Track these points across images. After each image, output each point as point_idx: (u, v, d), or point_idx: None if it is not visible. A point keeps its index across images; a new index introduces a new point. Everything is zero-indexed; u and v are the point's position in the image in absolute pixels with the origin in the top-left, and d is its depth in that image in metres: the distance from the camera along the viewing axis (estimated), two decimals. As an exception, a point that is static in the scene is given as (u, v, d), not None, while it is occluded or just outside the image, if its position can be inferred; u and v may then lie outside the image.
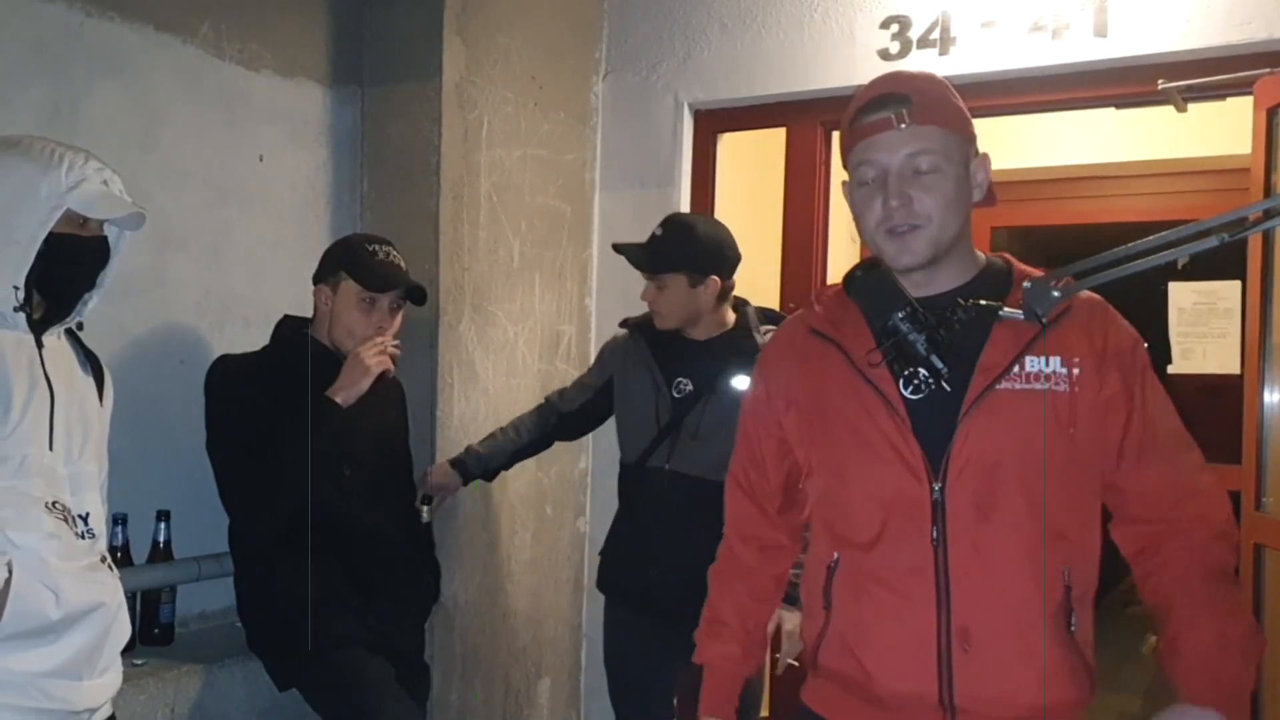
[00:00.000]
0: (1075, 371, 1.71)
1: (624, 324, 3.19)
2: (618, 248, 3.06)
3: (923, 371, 1.71)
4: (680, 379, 2.97)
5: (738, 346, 2.94)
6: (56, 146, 2.01)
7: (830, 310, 1.88)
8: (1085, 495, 1.75)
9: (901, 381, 1.74)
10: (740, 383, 2.87)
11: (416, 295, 2.84)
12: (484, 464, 3.21)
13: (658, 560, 2.92)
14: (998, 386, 1.70)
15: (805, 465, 1.89)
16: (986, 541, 1.69)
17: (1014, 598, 1.69)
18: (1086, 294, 1.72)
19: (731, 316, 3.03)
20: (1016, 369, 1.71)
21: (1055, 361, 1.71)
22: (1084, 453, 1.72)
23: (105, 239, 2.09)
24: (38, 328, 2.01)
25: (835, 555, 1.80)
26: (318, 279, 2.84)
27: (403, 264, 2.84)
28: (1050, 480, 1.70)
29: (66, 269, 2.01)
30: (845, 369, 1.79)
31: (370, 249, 2.81)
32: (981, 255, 1.86)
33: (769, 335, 2.89)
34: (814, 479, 1.87)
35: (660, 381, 2.99)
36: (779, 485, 1.97)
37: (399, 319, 2.84)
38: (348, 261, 2.79)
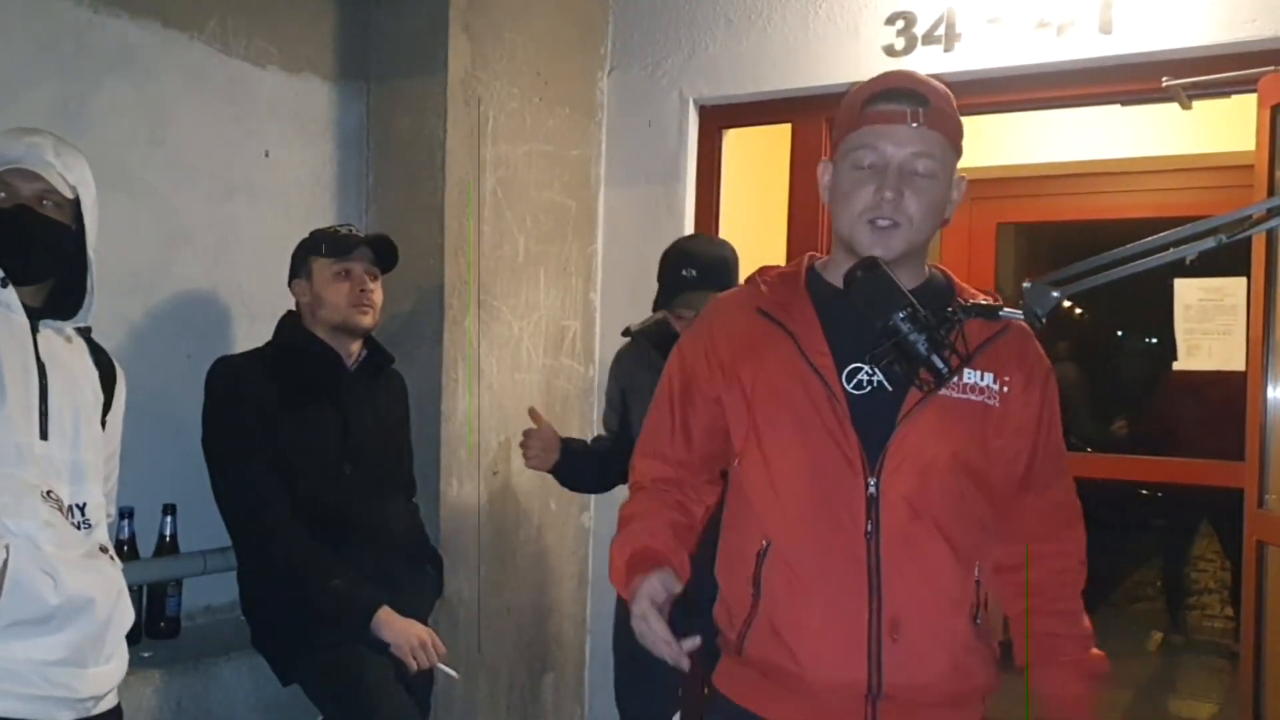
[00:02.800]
0: (1005, 389, 1.80)
1: (626, 333, 3.20)
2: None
3: (866, 369, 1.76)
4: None
5: None
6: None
7: (777, 293, 1.88)
8: (993, 503, 1.83)
9: (845, 375, 1.77)
10: None
11: (386, 256, 2.87)
12: (579, 453, 3.13)
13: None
14: (939, 392, 1.74)
15: (739, 447, 1.85)
16: (916, 537, 1.74)
17: (938, 590, 1.76)
18: (1017, 322, 1.78)
19: None
20: (956, 378, 1.76)
21: (989, 377, 1.80)
22: (999, 464, 1.82)
23: (60, 224, 2.07)
24: (34, 314, 2.02)
25: (764, 542, 1.80)
26: (291, 277, 2.87)
27: (369, 235, 2.87)
28: (972, 484, 1.79)
29: (22, 244, 2.02)
30: (792, 356, 1.79)
31: (330, 229, 2.88)
32: (926, 266, 1.90)
33: None
34: (747, 461, 1.84)
35: None
36: (701, 460, 1.95)
37: (379, 288, 2.86)
38: (311, 245, 2.85)
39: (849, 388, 1.77)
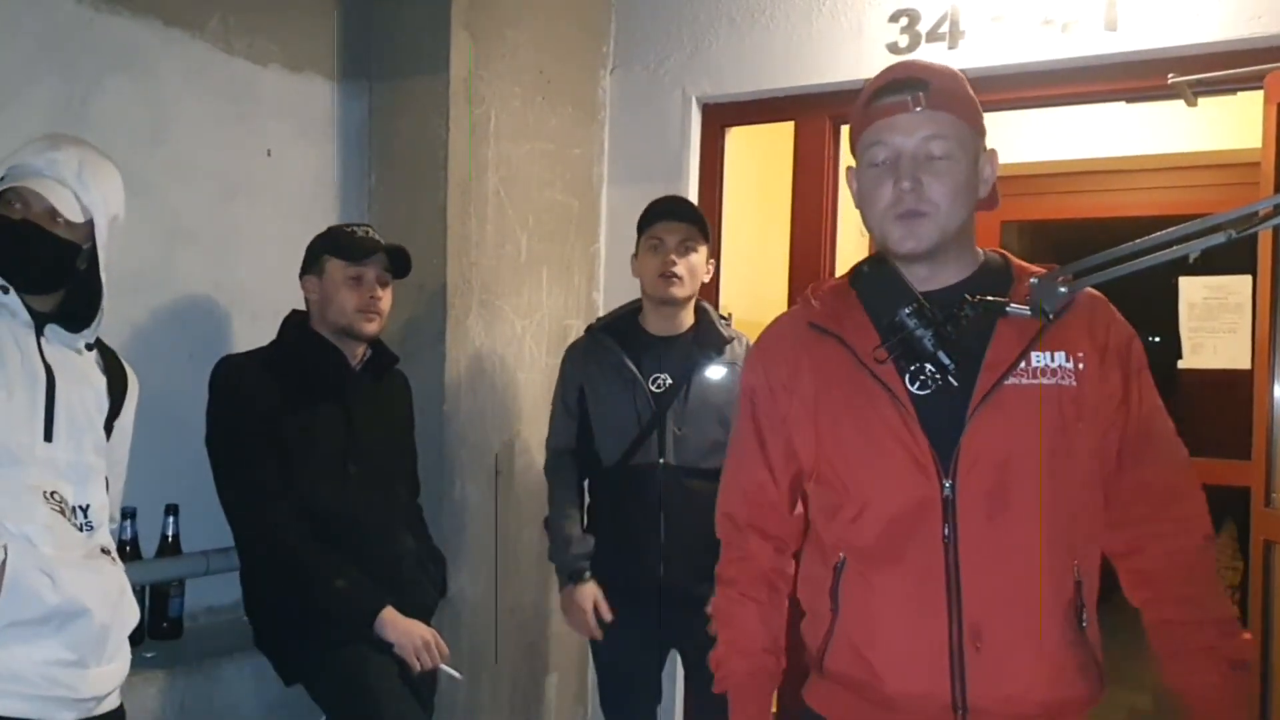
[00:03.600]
0: (1080, 366, 1.71)
1: (591, 328, 3.19)
2: (668, 199, 3.10)
3: (929, 367, 1.70)
4: (656, 374, 2.99)
5: (705, 339, 3.02)
6: (37, 142, 2.10)
7: (829, 305, 1.85)
8: (1089, 490, 1.74)
9: (908, 377, 1.73)
10: (716, 372, 2.96)
11: (400, 264, 2.85)
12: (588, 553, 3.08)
13: (650, 550, 2.95)
14: (1006, 382, 1.68)
15: (810, 465, 1.84)
16: (998, 539, 1.67)
17: (1025, 595, 1.67)
18: (1087, 289, 1.71)
19: (692, 315, 3.08)
20: (1023, 364, 1.69)
21: (1060, 356, 1.70)
22: (1089, 447, 1.71)
23: (67, 242, 2.08)
24: (39, 319, 2.02)
25: (841, 555, 1.77)
26: (304, 272, 2.86)
27: (386, 242, 2.85)
28: (1059, 475, 1.69)
29: (24, 258, 2.03)
30: (849, 364, 1.76)
31: (348, 229, 2.86)
32: (980, 251, 1.84)
33: (733, 331, 2.99)
34: (819, 479, 1.83)
35: (637, 378, 2.99)
36: (787, 487, 1.90)
37: (389, 295, 2.85)
38: (328, 244, 2.83)
39: (913, 389, 1.73)
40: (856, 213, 1.86)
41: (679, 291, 2.98)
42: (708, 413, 2.95)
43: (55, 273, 2.08)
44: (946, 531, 1.67)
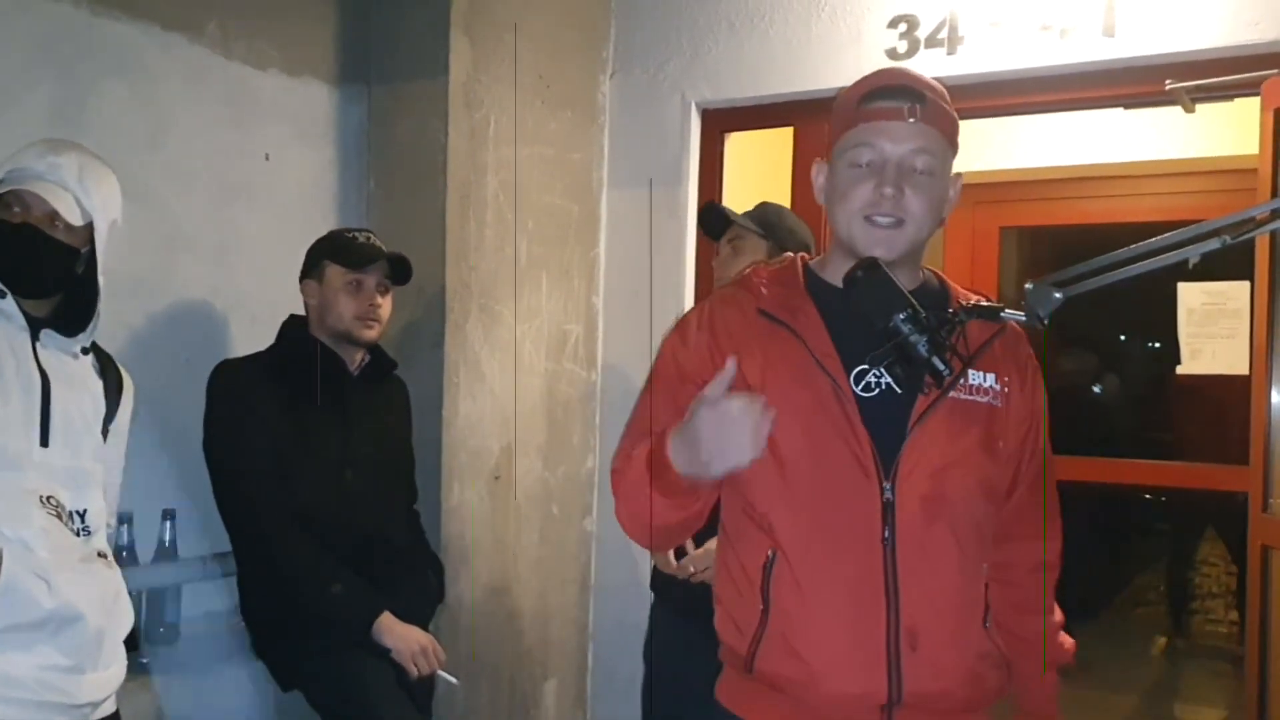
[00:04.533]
0: (1005, 390, 1.81)
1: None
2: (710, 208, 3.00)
3: (873, 372, 1.73)
4: None
5: None
6: (42, 144, 2.10)
7: (777, 294, 1.83)
8: (996, 502, 1.83)
9: (853, 378, 1.74)
10: None
11: (400, 272, 2.86)
12: None
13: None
14: (949, 394, 1.73)
15: None
16: (932, 543, 1.72)
17: (953, 596, 1.74)
18: (1009, 322, 1.77)
19: None
20: (962, 380, 1.75)
21: (991, 377, 1.80)
22: (1002, 464, 1.81)
23: (67, 246, 2.08)
24: (36, 324, 2.02)
25: (770, 552, 1.74)
26: (303, 276, 2.87)
27: (387, 249, 2.85)
28: (980, 487, 1.77)
29: (23, 262, 2.03)
30: (802, 358, 1.75)
31: (350, 235, 2.86)
32: (920, 271, 1.87)
33: None
34: (754, 468, 1.70)
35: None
36: None
37: (389, 302, 2.86)
38: (328, 249, 2.83)
39: (858, 390, 1.74)
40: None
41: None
42: None
43: (54, 277, 2.08)
44: (887, 534, 1.70)
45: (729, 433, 1.57)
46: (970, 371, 1.77)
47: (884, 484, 1.70)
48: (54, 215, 2.03)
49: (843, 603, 1.71)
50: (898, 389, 1.73)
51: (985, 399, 1.78)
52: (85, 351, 2.16)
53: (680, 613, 3.00)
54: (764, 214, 2.96)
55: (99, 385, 2.18)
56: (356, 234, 2.85)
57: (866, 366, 1.73)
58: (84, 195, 2.07)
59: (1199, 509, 6.11)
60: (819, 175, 1.89)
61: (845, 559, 1.71)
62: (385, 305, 2.84)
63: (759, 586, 1.76)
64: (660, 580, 3.08)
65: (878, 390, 1.74)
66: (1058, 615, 1.96)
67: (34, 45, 2.66)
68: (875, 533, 1.70)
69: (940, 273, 1.92)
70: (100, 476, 2.13)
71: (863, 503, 1.70)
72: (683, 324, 1.92)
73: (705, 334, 1.84)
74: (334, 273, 2.80)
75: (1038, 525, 1.92)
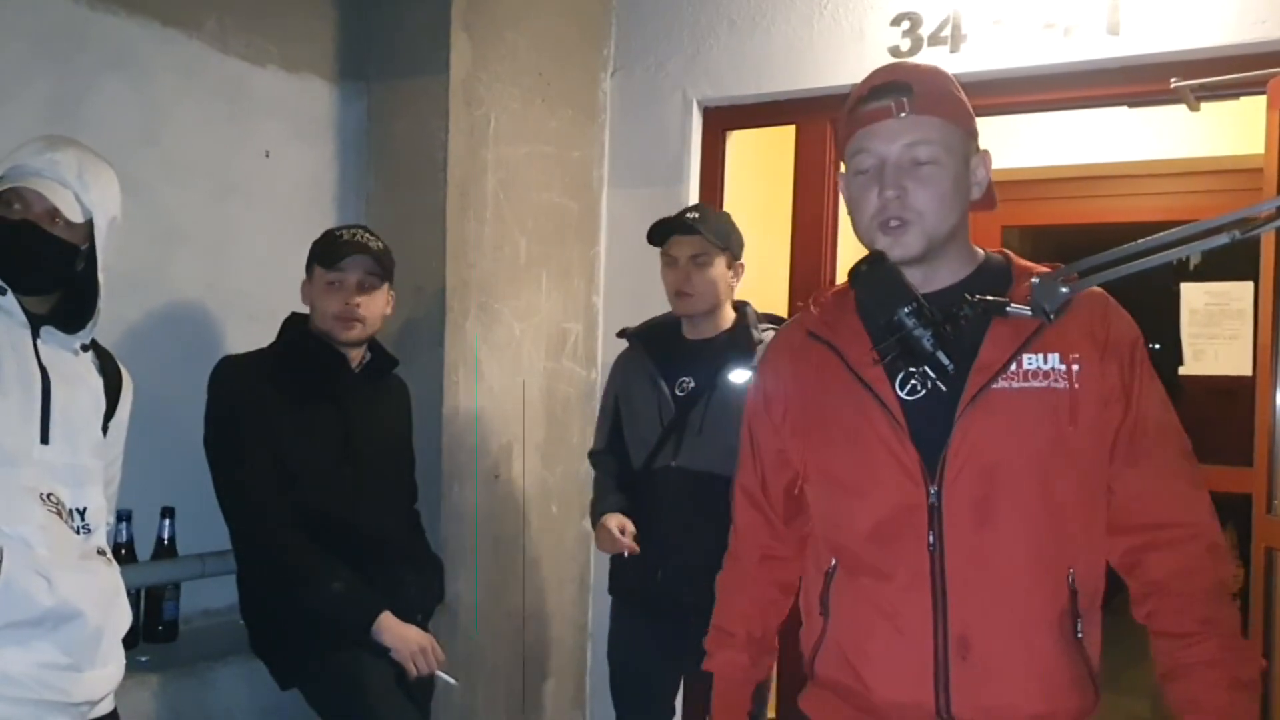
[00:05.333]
0: (1075, 368, 1.66)
1: (622, 334, 3.20)
2: (664, 222, 3.05)
3: (918, 371, 1.68)
4: (682, 378, 3.00)
5: (736, 343, 2.99)
6: (42, 140, 2.09)
7: (826, 312, 1.85)
8: (1089, 495, 1.68)
9: (897, 383, 1.71)
10: (739, 376, 2.91)
11: (383, 266, 2.83)
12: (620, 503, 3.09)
13: (666, 560, 2.94)
14: (994, 385, 1.65)
15: (801, 470, 1.84)
16: (986, 546, 1.64)
17: (1015, 604, 1.64)
18: (1091, 288, 1.66)
19: (732, 315, 3.05)
20: (1014, 367, 1.66)
21: (1054, 358, 1.66)
22: (1086, 451, 1.66)
23: (66, 243, 2.07)
24: (36, 320, 2.01)
25: (833, 561, 1.78)
26: (305, 275, 2.86)
27: (374, 244, 2.82)
28: (1052, 481, 1.65)
29: (20, 257, 2.02)
30: (841, 372, 1.75)
31: (337, 233, 2.84)
32: (980, 250, 1.82)
33: (767, 333, 2.93)
34: (810, 484, 1.84)
35: (661, 383, 3.00)
36: (780, 493, 1.91)
37: (377, 299, 2.83)
38: (315, 248, 2.83)
39: (903, 394, 1.71)
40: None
41: (695, 306, 2.99)
42: (729, 417, 2.84)
43: (54, 274, 2.08)
44: (932, 539, 1.66)
45: None
46: (1025, 356, 1.65)
47: (930, 488, 1.66)
48: (54, 212, 2.03)
49: (891, 611, 1.68)
50: (943, 387, 1.66)
51: (1044, 383, 1.64)
52: (85, 348, 2.15)
53: (639, 615, 3.04)
54: (717, 224, 3.03)
55: (99, 382, 2.17)
56: (342, 231, 2.84)
57: (913, 369, 1.67)
58: (83, 192, 2.06)
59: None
60: (844, 188, 1.83)
61: (893, 567, 1.69)
62: (371, 303, 2.80)
63: (819, 595, 1.79)
64: (618, 584, 3.12)
65: (924, 392, 1.70)
66: (1228, 614, 1.65)
67: (32, 40, 2.65)
68: (921, 539, 1.66)
69: (1008, 252, 1.83)
70: (100, 474, 2.13)
71: (908, 509, 1.67)
72: (756, 374, 2.03)
73: (761, 389, 1.94)
74: (317, 273, 2.80)
75: (1172, 511, 1.67)
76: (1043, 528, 1.65)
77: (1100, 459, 1.68)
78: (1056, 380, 1.65)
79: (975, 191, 1.77)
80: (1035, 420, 1.64)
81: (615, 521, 2.96)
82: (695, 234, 2.96)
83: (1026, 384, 1.65)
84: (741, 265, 3.05)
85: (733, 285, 3.04)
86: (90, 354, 2.17)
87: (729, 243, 3.00)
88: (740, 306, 3.08)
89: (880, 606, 1.69)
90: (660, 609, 2.96)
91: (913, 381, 1.70)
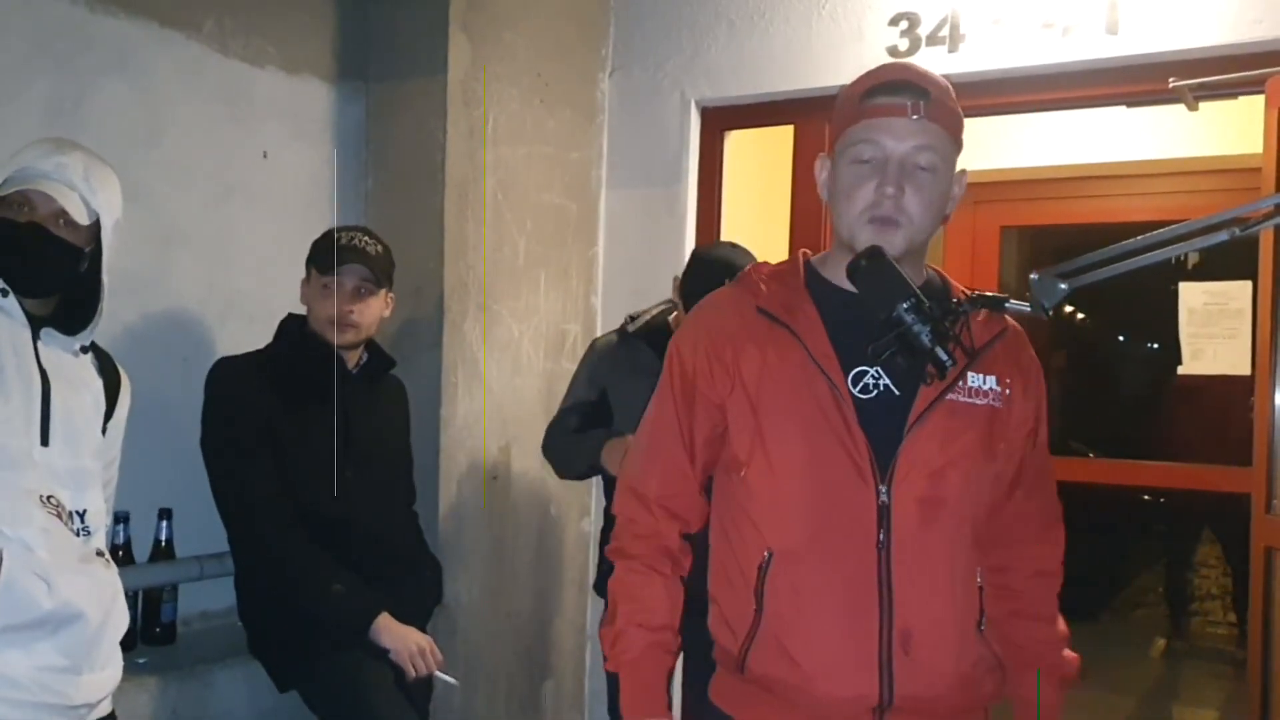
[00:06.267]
0: (1007, 392, 1.79)
1: (622, 330, 3.13)
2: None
3: (872, 372, 1.72)
4: None
5: None
6: (51, 142, 2.09)
7: (777, 293, 1.82)
8: (988, 507, 1.81)
9: (851, 379, 1.73)
10: None
11: (381, 272, 2.82)
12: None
13: None
14: (946, 396, 1.71)
15: (743, 454, 1.78)
16: (927, 546, 1.71)
17: (949, 600, 1.73)
18: (1013, 324, 1.78)
19: None
20: (961, 382, 1.73)
21: (992, 380, 1.78)
22: (997, 468, 1.79)
23: (71, 245, 2.06)
24: (36, 322, 2.01)
25: (767, 552, 1.74)
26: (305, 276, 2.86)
27: (372, 248, 2.81)
28: (977, 489, 1.76)
29: (25, 259, 2.02)
30: (801, 359, 1.74)
31: (336, 235, 2.83)
32: (924, 269, 1.85)
33: None
34: (751, 469, 1.77)
35: None
36: (701, 470, 1.86)
37: (374, 304, 2.82)
38: (313, 249, 2.83)
39: (855, 392, 1.72)
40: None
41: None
42: None
43: (58, 276, 2.07)
44: (882, 536, 1.69)
45: None
46: (970, 374, 1.74)
47: (880, 486, 1.69)
48: (60, 214, 2.03)
49: (836, 605, 1.70)
50: (896, 390, 1.72)
51: (984, 401, 1.76)
52: (85, 350, 2.15)
53: None
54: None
55: (99, 384, 2.17)
56: (341, 235, 2.83)
57: (865, 368, 1.72)
58: (90, 194, 2.06)
59: (1198, 510, 6.11)
60: (822, 171, 1.86)
61: (840, 562, 1.70)
62: (366, 309, 2.80)
63: (753, 588, 1.75)
64: (605, 580, 3.10)
65: (876, 392, 1.73)
66: (1061, 626, 1.91)
67: (31, 41, 2.65)
68: (870, 536, 1.69)
69: (943, 271, 1.90)
70: (99, 476, 2.13)
71: (858, 506, 1.70)
72: (685, 329, 1.91)
73: (704, 339, 1.84)
74: (314, 275, 2.80)
75: (1038, 530, 1.90)
76: (968, 530, 1.76)
77: (1004, 477, 1.82)
78: (995, 399, 1.78)
79: (950, 206, 1.80)
80: (975, 433, 1.75)
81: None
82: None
83: (970, 399, 1.76)
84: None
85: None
86: (90, 355, 2.17)
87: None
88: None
89: (826, 602, 1.70)
90: None
91: (866, 380, 1.73)
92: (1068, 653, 1.91)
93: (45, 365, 2.02)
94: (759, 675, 1.75)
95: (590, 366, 3.15)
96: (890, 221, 1.70)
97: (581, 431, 3.05)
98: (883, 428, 1.71)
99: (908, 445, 1.70)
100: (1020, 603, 1.87)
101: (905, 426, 1.70)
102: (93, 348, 2.19)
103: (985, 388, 1.76)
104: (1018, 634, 1.87)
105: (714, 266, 2.90)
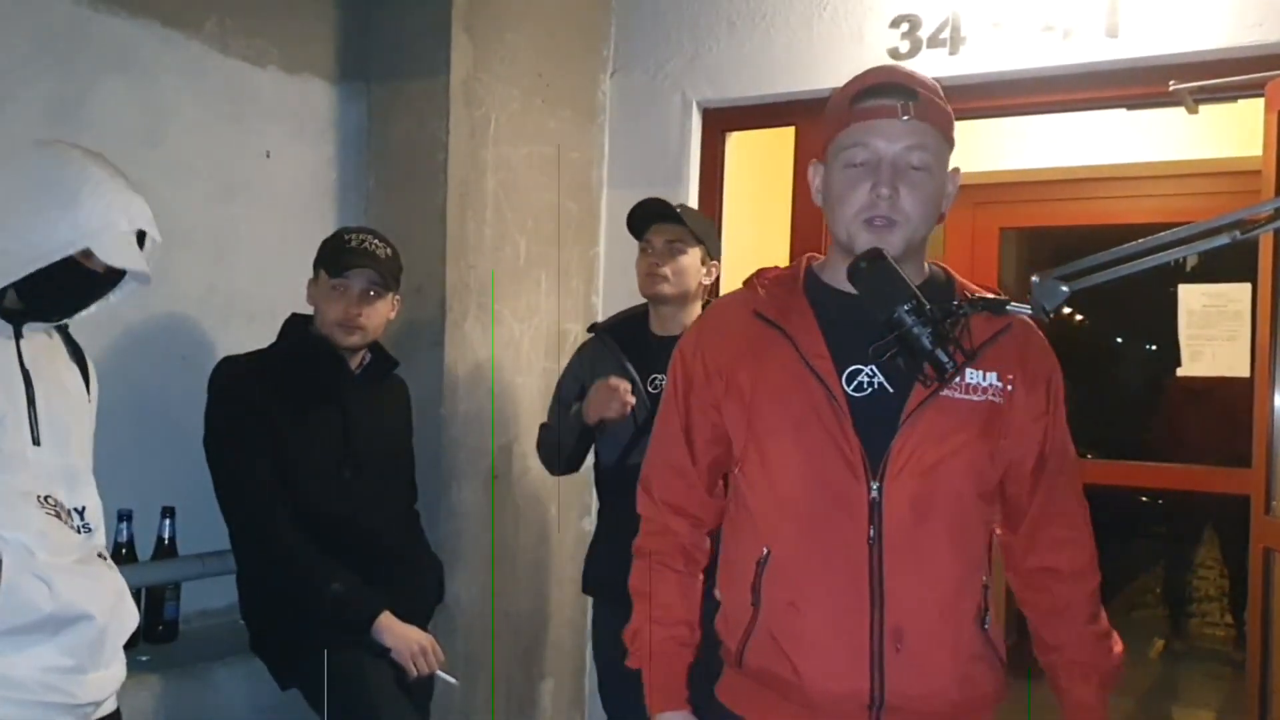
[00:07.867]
0: (1009, 388, 1.78)
1: (593, 328, 3.22)
2: (646, 205, 3.06)
3: (866, 371, 1.74)
4: (655, 375, 2.99)
5: None
6: (107, 180, 2.03)
7: (775, 296, 1.85)
8: (1006, 503, 1.85)
9: (844, 378, 1.74)
10: None
11: (389, 276, 2.82)
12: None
13: None
14: (942, 392, 1.72)
15: (739, 454, 1.83)
16: (920, 542, 1.71)
17: (943, 598, 1.73)
18: (1021, 317, 1.77)
19: (699, 311, 3.05)
20: (958, 378, 1.74)
21: (992, 376, 1.77)
22: (1008, 465, 1.80)
23: (117, 271, 2.06)
24: (16, 319, 2.00)
25: (765, 550, 1.77)
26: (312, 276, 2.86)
27: (381, 251, 2.82)
28: (979, 487, 1.77)
29: (57, 294, 2.01)
30: (792, 360, 1.76)
31: (345, 237, 2.83)
32: (926, 265, 1.87)
33: None
34: (746, 469, 1.82)
35: (635, 380, 2.99)
36: (706, 469, 1.91)
37: (381, 307, 2.83)
38: (321, 252, 2.83)
39: (849, 390, 1.74)
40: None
41: (665, 289, 2.99)
42: None
43: (77, 305, 2.07)
44: (872, 533, 1.70)
45: None
46: (968, 370, 1.75)
47: (871, 483, 1.71)
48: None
49: (828, 602, 1.72)
50: (889, 388, 1.73)
51: (982, 398, 1.76)
52: (58, 330, 2.13)
53: (619, 612, 3.01)
54: (698, 217, 3.09)
55: (77, 377, 2.14)
56: (352, 237, 2.83)
57: (859, 366, 1.74)
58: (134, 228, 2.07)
59: (1196, 511, 6.12)
60: (815, 177, 1.89)
61: (831, 559, 1.72)
62: (374, 312, 2.80)
63: (750, 584, 1.78)
64: (591, 575, 3.12)
65: (870, 390, 1.75)
66: (1102, 624, 1.88)
67: (33, 40, 2.65)
68: (861, 531, 1.70)
69: (947, 267, 1.91)
70: (90, 472, 2.11)
71: (849, 502, 1.71)
72: (688, 334, 1.98)
73: (700, 344, 1.90)
74: (323, 277, 2.80)
75: (1069, 530, 1.87)
76: (966, 526, 1.76)
77: (1015, 474, 1.82)
78: (995, 395, 1.78)
79: (945, 204, 1.82)
80: (971, 429, 1.75)
81: (611, 380, 2.89)
82: (675, 222, 2.99)
83: (967, 396, 1.76)
84: (716, 265, 3.10)
85: (704, 282, 3.06)
86: (60, 340, 2.13)
87: (707, 237, 3.04)
88: (706, 305, 3.09)
89: (818, 598, 1.72)
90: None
91: (860, 379, 1.75)
92: (1114, 648, 1.89)
93: (28, 366, 2.00)
94: (756, 671, 1.78)
95: (573, 366, 3.22)
96: (886, 223, 1.72)
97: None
98: (876, 425, 1.72)
99: (899, 442, 1.71)
100: (1055, 603, 1.87)
101: (898, 423, 1.72)
102: (64, 333, 2.16)
103: (984, 384, 1.77)
104: (1055, 635, 1.87)
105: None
